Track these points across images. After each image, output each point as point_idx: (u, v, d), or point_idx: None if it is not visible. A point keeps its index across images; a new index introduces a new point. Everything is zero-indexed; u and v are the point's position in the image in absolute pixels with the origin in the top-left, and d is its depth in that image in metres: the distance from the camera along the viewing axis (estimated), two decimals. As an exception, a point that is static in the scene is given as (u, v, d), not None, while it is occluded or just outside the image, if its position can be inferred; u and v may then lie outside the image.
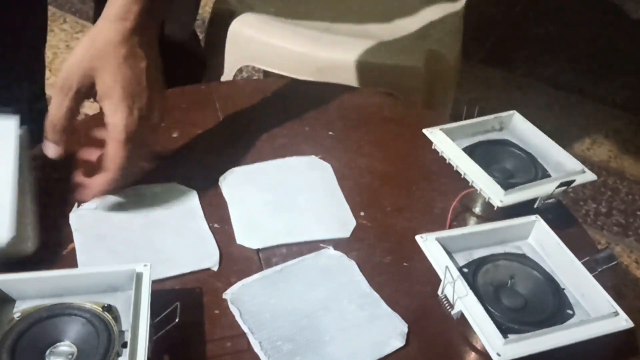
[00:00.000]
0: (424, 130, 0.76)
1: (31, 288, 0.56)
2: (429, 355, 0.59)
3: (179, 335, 0.56)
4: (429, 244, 0.63)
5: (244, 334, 0.59)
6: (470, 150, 0.75)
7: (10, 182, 0.62)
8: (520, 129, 0.80)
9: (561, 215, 0.75)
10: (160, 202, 0.72)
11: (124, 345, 0.52)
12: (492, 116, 0.80)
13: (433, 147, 0.76)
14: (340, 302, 0.62)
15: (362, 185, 0.77)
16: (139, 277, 0.56)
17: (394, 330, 0.60)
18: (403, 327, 0.61)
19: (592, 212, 1.64)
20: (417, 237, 0.64)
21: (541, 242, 0.67)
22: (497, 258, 0.65)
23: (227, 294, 0.61)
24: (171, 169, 0.76)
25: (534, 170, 0.75)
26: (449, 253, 0.63)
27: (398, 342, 0.59)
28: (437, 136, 0.76)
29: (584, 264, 0.63)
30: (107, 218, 0.69)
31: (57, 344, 0.53)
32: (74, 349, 0.53)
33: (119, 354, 0.51)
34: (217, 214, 0.71)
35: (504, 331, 0.56)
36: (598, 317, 0.58)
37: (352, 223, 0.72)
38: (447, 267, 0.60)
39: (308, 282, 0.64)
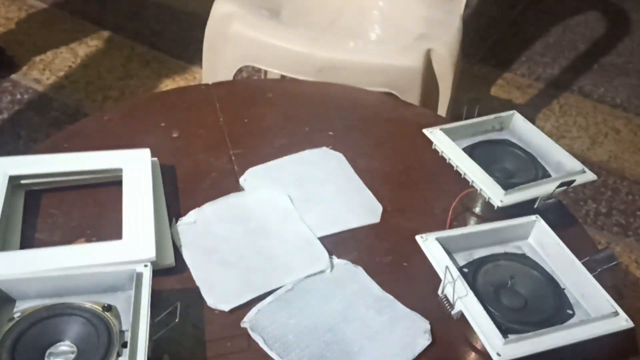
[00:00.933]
0: (424, 130, 0.76)
1: (31, 288, 0.56)
2: (428, 355, 0.59)
3: (179, 335, 0.57)
4: (429, 243, 0.63)
5: (244, 334, 0.59)
6: (470, 150, 0.75)
7: (151, 210, 0.67)
8: (520, 128, 0.80)
9: (561, 215, 0.75)
10: (255, 208, 0.72)
11: (124, 345, 0.52)
12: (492, 116, 0.80)
13: (433, 147, 0.76)
14: (358, 309, 0.62)
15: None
16: (139, 277, 0.56)
17: (418, 329, 0.60)
18: (426, 325, 0.61)
19: (592, 212, 1.64)
20: (417, 237, 0.64)
21: (541, 242, 0.67)
22: (497, 258, 0.65)
23: (245, 322, 0.60)
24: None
25: (534, 170, 0.74)
26: (449, 253, 0.63)
27: (425, 341, 0.59)
28: (437, 136, 0.76)
29: (584, 264, 0.63)
30: (208, 230, 0.69)
31: (58, 343, 0.53)
32: (74, 349, 0.53)
33: (119, 354, 0.51)
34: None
35: (504, 331, 0.56)
36: (598, 317, 0.58)
37: (379, 207, 0.73)
38: (447, 267, 0.60)
39: (321, 295, 0.63)
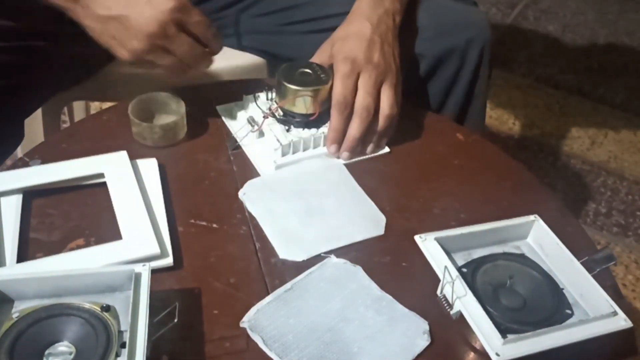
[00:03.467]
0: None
1: (30, 288, 0.56)
2: (427, 355, 0.59)
3: (177, 335, 0.57)
4: (428, 243, 0.63)
5: (243, 334, 0.59)
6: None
7: (144, 208, 0.69)
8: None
9: (560, 215, 0.75)
10: (313, 175, 0.77)
11: (123, 345, 0.52)
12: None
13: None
14: (357, 310, 0.61)
15: (362, 185, 0.77)
16: (137, 277, 0.56)
17: (416, 330, 0.60)
18: (424, 325, 0.60)
19: (592, 212, 1.64)
20: (416, 237, 0.64)
21: (540, 242, 0.67)
22: (496, 258, 0.65)
23: (244, 322, 0.60)
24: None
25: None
26: (448, 253, 0.63)
27: (424, 342, 0.59)
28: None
29: (582, 263, 0.63)
30: (273, 192, 0.74)
31: (56, 344, 0.53)
32: (73, 349, 0.53)
33: (117, 354, 0.51)
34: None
35: (503, 331, 0.56)
36: (597, 317, 0.58)
37: (382, 219, 0.72)
38: (446, 267, 0.60)
39: (320, 295, 0.63)
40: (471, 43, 0.92)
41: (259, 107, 0.81)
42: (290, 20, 1.00)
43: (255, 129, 0.79)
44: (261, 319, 0.60)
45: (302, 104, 0.78)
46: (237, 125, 0.81)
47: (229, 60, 1.03)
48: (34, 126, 1.01)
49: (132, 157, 0.75)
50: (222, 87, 0.92)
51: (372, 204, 0.74)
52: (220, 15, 1.03)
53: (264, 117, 0.79)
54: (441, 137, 0.86)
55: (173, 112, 0.81)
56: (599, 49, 2.33)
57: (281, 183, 0.75)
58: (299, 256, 0.67)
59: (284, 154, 0.77)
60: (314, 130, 0.80)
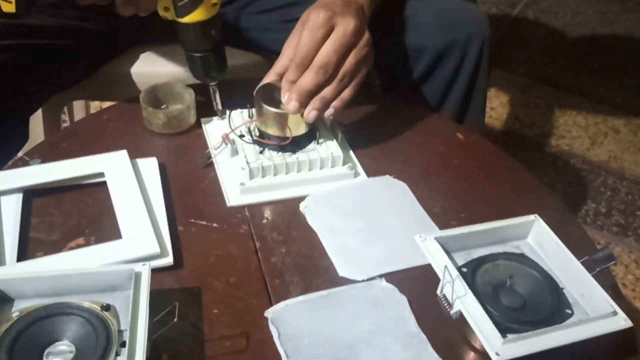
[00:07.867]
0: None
1: (30, 287, 0.56)
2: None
3: (177, 334, 0.57)
4: (427, 243, 0.63)
5: (242, 334, 0.59)
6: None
7: (144, 208, 0.69)
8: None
9: (560, 215, 0.75)
10: (376, 194, 0.75)
11: (123, 344, 0.52)
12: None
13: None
14: (384, 338, 0.59)
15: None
16: (137, 276, 0.56)
17: None
18: None
19: (592, 212, 1.64)
20: (416, 237, 0.64)
21: (540, 241, 0.67)
22: (496, 257, 0.65)
23: (269, 312, 0.59)
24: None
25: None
26: (447, 253, 0.63)
27: None
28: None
29: (582, 263, 0.63)
30: (335, 207, 0.73)
31: (56, 343, 0.53)
32: (73, 349, 0.53)
33: (117, 354, 0.51)
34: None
35: (503, 331, 0.56)
36: (597, 316, 0.58)
37: None
38: (446, 266, 0.60)
39: (353, 312, 0.61)
40: (472, 38, 0.92)
41: (232, 124, 0.78)
42: (291, 17, 0.99)
43: (223, 147, 0.76)
44: (285, 315, 0.60)
45: (277, 126, 0.74)
46: (214, 141, 0.80)
47: (230, 59, 1.03)
48: (34, 126, 1.01)
49: (132, 156, 0.75)
50: (222, 86, 0.92)
51: (435, 227, 0.72)
52: (221, 13, 1.03)
53: (226, 134, 0.76)
54: (441, 136, 0.86)
55: (185, 103, 0.82)
56: (599, 48, 2.33)
57: (343, 199, 0.74)
58: (358, 276, 0.65)
59: (252, 177, 0.74)
60: (288, 154, 0.76)
